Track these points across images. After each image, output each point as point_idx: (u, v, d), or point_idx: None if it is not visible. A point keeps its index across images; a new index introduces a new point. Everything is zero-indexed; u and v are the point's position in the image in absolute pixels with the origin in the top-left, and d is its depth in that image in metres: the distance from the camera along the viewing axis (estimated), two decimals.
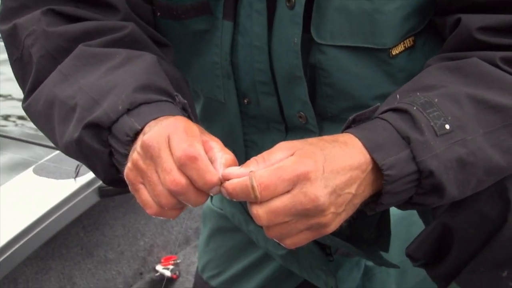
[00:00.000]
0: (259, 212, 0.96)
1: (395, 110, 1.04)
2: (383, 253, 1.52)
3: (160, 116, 1.02)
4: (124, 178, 1.05)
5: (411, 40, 1.17)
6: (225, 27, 1.22)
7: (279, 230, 0.99)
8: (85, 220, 2.28)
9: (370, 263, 1.75)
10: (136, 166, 0.99)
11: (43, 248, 2.14)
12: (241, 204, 1.50)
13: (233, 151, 1.35)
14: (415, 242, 1.22)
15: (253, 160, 0.99)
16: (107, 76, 1.09)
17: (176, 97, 1.08)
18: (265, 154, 0.99)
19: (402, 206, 1.06)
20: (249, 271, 1.71)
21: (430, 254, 1.22)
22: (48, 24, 1.16)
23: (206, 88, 1.31)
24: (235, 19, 1.21)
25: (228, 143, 1.35)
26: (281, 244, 1.01)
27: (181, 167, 0.94)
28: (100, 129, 1.04)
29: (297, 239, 1.01)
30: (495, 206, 1.11)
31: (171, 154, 0.95)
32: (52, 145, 1.24)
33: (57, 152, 2.34)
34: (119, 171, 1.06)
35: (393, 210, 1.74)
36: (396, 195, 1.01)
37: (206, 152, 0.97)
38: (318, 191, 0.95)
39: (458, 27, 1.10)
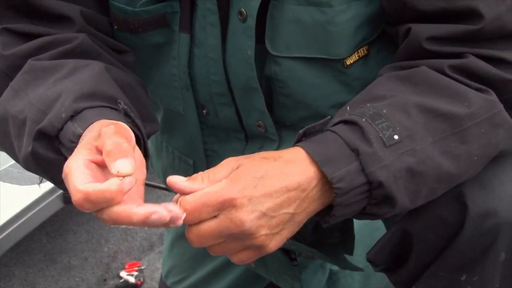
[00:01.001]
0: (189, 234, 0.99)
1: (345, 122, 1.05)
2: (348, 257, 1.54)
3: (100, 120, 1.02)
4: None
5: (364, 49, 1.18)
6: (181, 40, 1.22)
7: (218, 249, 1.01)
8: (49, 226, 2.27)
9: (335, 267, 1.76)
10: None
11: (6, 255, 2.13)
12: None
13: (194, 161, 1.38)
14: (376, 247, 1.23)
15: (199, 176, 1.00)
16: (54, 87, 1.08)
17: (119, 103, 1.07)
18: (210, 171, 1.01)
19: (357, 216, 1.08)
20: (214, 275, 1.71)
21: (390, 259, 1.23)
22: (4, 47, 1.16)
23: (165, 100, 1.31)
24: (191, 31, 1.21)
25: (189, 153, 1.37)
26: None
27: (91, 210, 0.92)
28: (49, 138, 1.04)
29: (242, 257, 1.03)
30: (453, 211, 1.12)
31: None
32: None
33: None
34: None
35: None
36: (348, 206, 1.03)
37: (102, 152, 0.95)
38: (243, 216, 0.97)
39: (408, 37, 1.12)
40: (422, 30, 1.10)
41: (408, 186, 1.04)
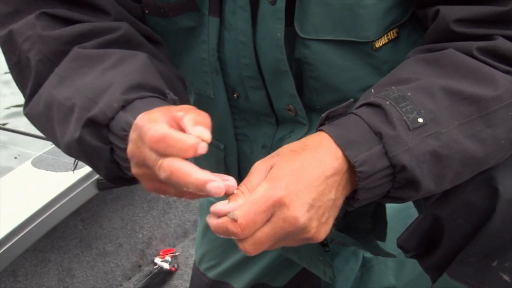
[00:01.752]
0: (245, 245, 0.98)
1: (368, 105, 1.04)
2: (380, 244, 1.53)
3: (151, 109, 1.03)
4: (124, 176, 1.09)
5: (394, 32, 1.17)
6: (211, 23, 1.23)
7: (269, 248, 1.01)
8: (84, 212, 2.29)
9: (368, 255, 1.76)
10: (142, 177, 1.01)
11: (42, 241, 2.15)
12: None
13: (225, 145, 1.38)
14: (406, 233, 1.22)
15: (239, 192, 0.99)
16: (102, 77, 1.10)
17: (167, 94, 1.09)
18: (245, 182, 1.00)
19: (381, 200, 1.07)
20: (247, 262, 1.72)
21: (421, 244, 1.22)
22: (43, 28, 1.17)
23: (195, 84, 1.32)
24: (221, 15, 1.21)
25: (219, 138, 1.37)
26: None
27: (158, 152, 0.95)
28: (99, 127, 1.06)
29: (288, 245, 1.03)
30: (483, 196, 1.11)
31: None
32: None
33: None
34: (120, 168, 1.08)
35: (390, 203, 1.76)
36: (371, 190, 1.02)
37: (178, 124, 0.98)
38: (296, 213, 0.97)
39: (437, 19, 1.11)
40: (451, 12, 1.09)
41: (433, 170, 1.02)
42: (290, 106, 1.25)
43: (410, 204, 1.60)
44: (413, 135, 1.00)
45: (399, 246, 1.26)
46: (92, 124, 1.06)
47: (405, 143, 1.00)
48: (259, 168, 1.01)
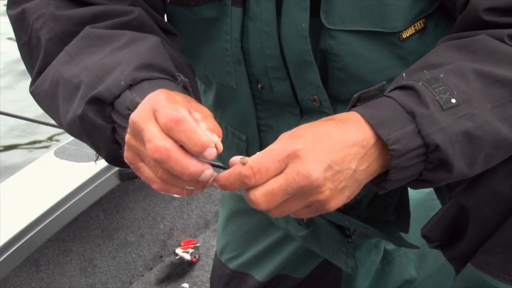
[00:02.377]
0: (256, 195, 0.96)
1: (401, 88, 1.03)
2: (403, 235, 1.52)
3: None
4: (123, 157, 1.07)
5: (421, 22, 1.16)
6: (234, 14, 1.22)
7: (279, 210, 0.99)
8: (106, 203, 2.30)
9: (389, 247, 1.75)
10: (130, 146, 0.99)
11: (64, 231, 2.16)
12: None
13: (247, 136, 1.37)
14: (431, 222, 1.22)
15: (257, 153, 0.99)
16: (111, 56, 1.10)
17: (178, 76, 1.08)
18: (268, 147, 1.00)
19: (413, 184, 1.05)
20: (268, 253, 1.71)
21: (445, 234, 1.22)
22: (57, 7, 1.17)
23: (218, 74, 1.32)
24: (244, 5, 1.21)
25: (242, 128, 1.37)
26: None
27: (169, 132, 0.94)
28: (103, 104, 1.05)
29: (300, 214, 1.02)
30: (510, 185, 1.10)
31: (157, 124, 0.95)
32: None
33: None
34: (121, 148, 1.07)
35: (413, 195, 1.75)
36: (404, 170, 1.01)
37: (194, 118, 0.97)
38: (310, 167, 0.96)
39: (467, 8, 1.10)
40: (481, 1, 1.08)
41: (465, 151, 1.02)
42: (315, 96, 1.24)
43: (433, 196, 1.59)
44: (446, 115, 1.00)
45: (424, 236, 1.25)
46: (96, 101, 1.05)
47: (439, 122, 0.99)
48: (282, 135, 1.01)
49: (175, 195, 1.00)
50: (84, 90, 1.07)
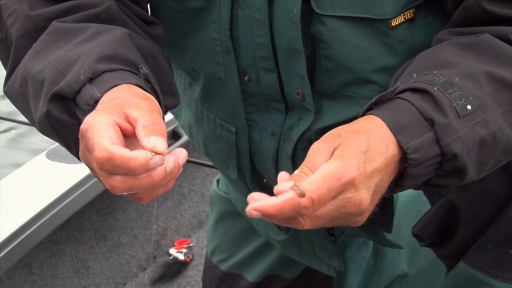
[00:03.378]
0: (304, 220, 0.94)
1: (414, 90, 1.02)
2: (394, 232, 1.52)
3: (121, 83, 1.01)
4: None
5: (411, 11, 1.15)
6: (222, 2, 1.21)
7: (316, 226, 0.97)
8: (98, 204, 2.29)
9: None
10: (82, 157, 0.97)
11: (57, 232, 2.15)
12: (246, 186, 1.49)
13: (236, 128, 1.36)
14: (422, 221, 1.22)
15: (302, 174, 0.95)
16: (74, 49, 1.07)
17: (140, 68, 1.06)
18: (307, 162, 0.96)
19: (419, 187, 1.05)
20: (258, 254, 1.71)
21: (436, 233, 1.22)
22: (30, 5, 1.15)
23: (206, 65, 1.30)
24: None
25: (231, 120, 1.35)
26: None
27: (107, 171, 0.91)
28: (66, 100, 1.03)
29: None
30: (501, 182, 1.10)
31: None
32: None
33: None
34: None
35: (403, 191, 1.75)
36: (418, 177, 1.00)
37: (133, 126, 0.94)
38: (363, 195, 0.94)
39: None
40: None
41: (477, 158, 1.01)
42: (299, 90, 1.23)
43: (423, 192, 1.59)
44: (463, 122, 0.99)
45: (414, 235, 1.25)
46: (58, 98, 1.03)
47: (456, 131, 0.98)
48: (319, 148, 0.97)
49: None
50: (47, 86, 1.05)
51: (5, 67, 1.20)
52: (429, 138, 0.98)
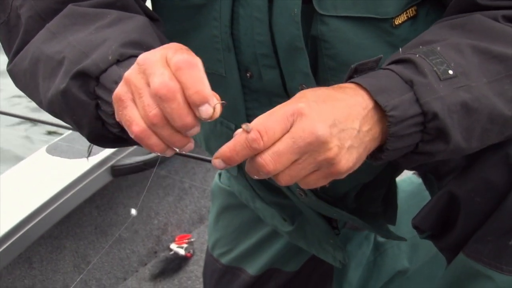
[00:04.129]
0: (264, 157, 0.94)
1: (397, 61, 1.03)
2: (394, 227, 1.52)
3: None
4: (109, 135, 1.06)
5: (413, 9, 1.16)
6: (223, 0, 1.21)
7: (288, 174, 0.96)
8: (99, 199, 2.30)
9: (381, 239, 1.75)
10: (127, 82, 0.95)
11: (57, 227, 2.16)
12: (247, 182, 1.50)
13: (236, 126, 1.36)
14: (422, 213, 1.21)
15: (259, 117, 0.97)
16: (97, 33, 1.08)
17: None
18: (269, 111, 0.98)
19: (408, 158, 1.04)
20: (259, 247, 1.72)
21: (436, 224, 1.21)
22: None
23: (207, 62, 1.28)
24: None
25: (230, 118, 1.36)
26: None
27: (177, 71, 0.90)
28: (87, 79, 1.03)
29: (310, 180, 0.99)
30: (501, 173, 1.10)
31: (167, 67, 0.92)
32: (65, 124, 1.22)
33: (70, 131, 2.35)
34: (104, 126, 1.06)
35: (404, 187, 1.75)
36: (401, 139, 1.00)
37: None
38: (315, 123, 0.94)
39: None
40: None
41: (462, 122, 1.01)
42: (303, 85, 1.23)
43: (424, 187, 1.59)
44: (444, 85, 0.99)
45: (415, 227, 1.25)
46: (81, 76, 1.03)
47: (437, 91, 0.99)
48: (283, 102, 0.99)
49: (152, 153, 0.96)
50: (68, 65, 1.05)
51: (5, 48, 1.20)
52: (409, 97, 0.98)
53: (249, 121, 1.33)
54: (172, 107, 0.90)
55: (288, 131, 0.94)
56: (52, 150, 2.27)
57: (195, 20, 1.26)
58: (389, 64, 1.04)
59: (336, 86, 1.01)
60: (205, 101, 0.91)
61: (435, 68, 1.00)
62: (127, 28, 1.08)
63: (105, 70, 1.02)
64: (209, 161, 2.47)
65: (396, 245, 1.74)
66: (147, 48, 1.03)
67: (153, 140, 0.94)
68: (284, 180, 0.97)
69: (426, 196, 1.53)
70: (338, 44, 1.18)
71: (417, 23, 1.17)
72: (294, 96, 0.98)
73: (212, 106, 0.92)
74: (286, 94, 1.27)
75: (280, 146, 0.94)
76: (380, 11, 1.14)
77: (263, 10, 1.19)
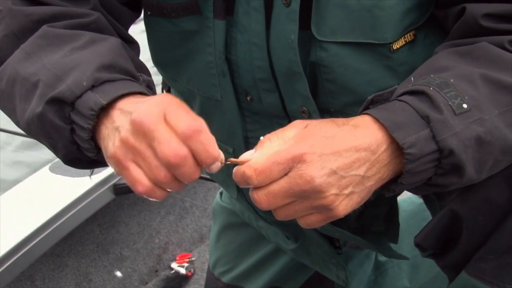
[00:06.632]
0: (259, 195, 0.98)
1: (411, 92, 1.03)
2: (395, 247, 1.53)
3: (129, 92, 1.03)
4: (84, 158, 1.07)
5: (411, 34, 1.17)
6: (217, 26, 1.22)
7: (284, 212, 1.00)
8: (101, 217, 2.30)
9: (381, 258, 1.76)
10: (125, 144, 0.97)
11: (59, 245, 2.16)
12: (248, 203, 1.51)
13: (234, 149, 1.37)
14: (424, 231, 1.22)
15: (266, 138, 1.00)
16: (71, 55, 1.09)
17: (140, 76, 1.08)
18: (279, 131, 1.01)
19: (420, 188, 1.06)
20: (260, 265, 1.72)
21: (438, 243, 1.22)
22: (15, 3, 1.16)
23: (202, 87, 1.31)
24: (226, 17, 1.21)
25: (228, 141, 1.37)
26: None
27: (187, 139, 0.94)
28: (62, 104, 1.04)
29: (309, 220, 1.01)
30: (503, 192, 1.11)
31: (168, 128, 0.94)
32: None
33: None
34: (79, 149, 1.07)
35: (405, 206, 1.76)
36: (416, 175, 1.01)
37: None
38: (313, 172, 0.96)
39: (464, 16, 1.10)
40: (478, 8, 1.09)
41: (476, 156, 1.02)
42: (304, 108, 1.24)
43: (425, 207, 1.59)
44: (459, 120, 1.00)
45: (417, 245, 1.25)
46: (56, 101, 1.04)
47: (452, 127, 0.99)
48: (297, 123, 1.02)
49: (151, 199, 1.00)
50: (43, 89, 1.06)
51: None
52: (425, 134, 0.99)
53: (249, 143, 1.35)
54: (184, 171, 0.95)
55: (286, 174, 0.97)
56: (55, 169, 2.28)
57: (189, 46, 1.27)
58: (403, 94, 1.04)
59: (350, 123, 1.02)
60: (216, 161, 0.95)
61: (449, 102, 1.00)
62: (100, 50, 1.09)
63: (80, 96, 1.03)
64: (210, 180, 2.48)
65: (396, 264, 1.74)
66: (120, 70, 1.06)
67: (158, 193, 0.98)
68: (280, 217, 1.01)
69: (427, 216, 1.53)
70: (337, 68, 1.19)
71: (415, 47, 1.18)
72: (303, 132, 1.00)
73: (220, 160, 0.97)
74: (287, 116, 1.28)
75: (275, 187, 0.97)
76: (378, 36, 1.15)
77: (261, 36, 1.20)
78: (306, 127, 1.01)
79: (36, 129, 1.09)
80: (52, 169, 2.29)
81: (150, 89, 1.08)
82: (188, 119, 0.94)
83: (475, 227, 1.16)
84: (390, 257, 1.51)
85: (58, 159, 2.27)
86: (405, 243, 1.56)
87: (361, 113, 1.04)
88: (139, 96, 1.04)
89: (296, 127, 1.01)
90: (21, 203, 2.14)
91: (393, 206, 1.46)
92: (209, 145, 0.94)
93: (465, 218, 1.16)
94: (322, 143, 0.98)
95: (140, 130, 0.95)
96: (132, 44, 1.25)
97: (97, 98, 1.01)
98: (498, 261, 1.15)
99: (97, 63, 1.05)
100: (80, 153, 1.08)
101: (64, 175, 2.25)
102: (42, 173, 2.29)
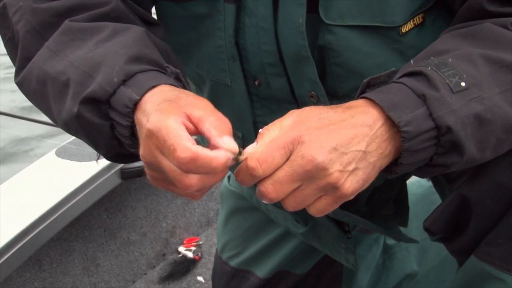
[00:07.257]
0: (265, 186, 0.97)
1: (409, 74, 1.03)
2: (404, 230, 1.52)
3: (158, 85, 1.02)
4: (126, 152, 1.07)
5: (420, 17, 1.16)
6: (227, 10, 1.21)
7: (293, 200, 0.99)
8: (108, 202, 2.30)
9: (390, 242, 1.75)
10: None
11: (67, 230, 2.16)
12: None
13: (243, 134, 1.37)
14: (433, 215, 1.21)
15: (265, 129, 0.99)
16: (97, 49, 1.08)
17: (167, 68, 1.07)
18: (276, 121, 1.00)
19: (423, 170, 1.05)
20: (268, 249, 1.72)
21: (448, 227, 1.22)
22: (35, 0, 1.16)
23: (212, 71, 1.30)
24: (239, 1, 1.20)
25: (237, 126, 1.36)
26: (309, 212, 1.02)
27: (189, 171, 0.93)
28: (97, 103, 1.04)
29: (319, 206, 1.01)
30: None
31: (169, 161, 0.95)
32: None
33: None
34: (121, 144, 1.07)
35: (414, 189, 1.75)
36: (415, 153, 1.00)
37: (196, 126, 0.96)
38: (314, 151, 0.95)
39: (468, 0, 1.09)
40: None
41: (476, 134, 1.01)
42: (313, 92, 1.24)
43: (433, 190, 1.59)
44: (457, 97, 0.99)
45: (426, 229, 1.25)
46: (90, 100, 1.04)
47: (450, 104, 0.99)
48: (293, 112, 1.01)
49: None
50: (75, 87, 1.06)
51: (14, 64, 1.21)
52: (422, 112, 0.98)
53: (258, 128, 1.35)
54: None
55: (288, 159, 0.96)
56: (62, 153, 2.28)
57: (200, 30, 1.26)
58: (401, 77, 1.04)
59: (344, 105, 1.01)
60: (226, 165, 0.95)
61: (447, 81, 1.00)
62: (125, 41, 1.08)
63: (113, 93, 1.02)
64: None
65: (405, 248, 1.74)
66: (148, 60, 1.06)
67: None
68: (290, 206, 1.00)
69: (435, 199, 1.53)
70: (345, 52, 1.18)
71: (424, 30, 1.17)
72: (297, 117, 1.00)
73: (229, 156, 0.95)
74: (295, 100, 1.27)
75: (280, 174, 0.96)
76: (387, 19, 1.14)
77: (268, 20, 1.19)
78: (301, 113, 1.00)
79: (76, 128, 1.09)
80: (58, 154, 2.29)
81: (179, 81, 1.07)
82: (180, 154, 0.92)
83: (484, 211, 1.15)
84: (400, 241, 1.51)
85: (64, 143, 2.31)
86: (414, 226, 1.56)
87: (358, 97, 1.04)
88: (167, 86, 1.03)
89: (292, 115, 1.01)
90: (28, 188, 2.14)
91: (403, 190, 1.45)
92: (209, 163, 0.93)
93: (474, 202, 1.15)
94: (317, 123, 0.98)
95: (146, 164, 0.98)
96: (156, 26, 1.24)
97: (130, 93, 1.01)
98: (507, 245, 1.15)
99: (124, 56, 1.05)
100: (123, 147, 1.07)
101: (70, 160, 2.25)
102: (48, 157, 2.29)
